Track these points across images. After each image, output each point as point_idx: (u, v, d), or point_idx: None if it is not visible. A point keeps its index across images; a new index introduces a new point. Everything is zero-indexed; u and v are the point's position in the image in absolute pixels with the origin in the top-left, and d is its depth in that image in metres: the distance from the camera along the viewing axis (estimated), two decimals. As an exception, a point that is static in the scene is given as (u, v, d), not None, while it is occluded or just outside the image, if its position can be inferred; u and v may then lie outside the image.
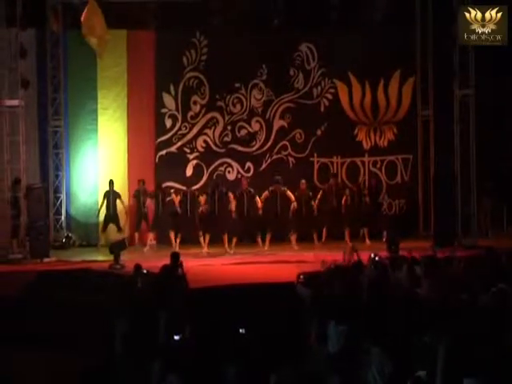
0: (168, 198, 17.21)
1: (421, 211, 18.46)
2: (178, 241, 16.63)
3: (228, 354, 6.96)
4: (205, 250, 16.40)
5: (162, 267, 10.18)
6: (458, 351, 5.95)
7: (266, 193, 16.87)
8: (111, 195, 17.17)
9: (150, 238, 17.23)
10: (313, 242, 16.91)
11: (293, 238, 16.84)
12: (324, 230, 17.19)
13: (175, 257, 10.51)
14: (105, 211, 17.23)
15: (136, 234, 17.32)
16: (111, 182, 17.21)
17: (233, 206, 16.58)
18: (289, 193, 16.86)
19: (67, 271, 14.00)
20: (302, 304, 9.14)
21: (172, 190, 17.35)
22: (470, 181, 17.01)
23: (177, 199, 16.96)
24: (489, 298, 7.18)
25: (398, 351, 6.47)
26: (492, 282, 7.79)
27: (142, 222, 17.39)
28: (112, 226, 17.18)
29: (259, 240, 16.62)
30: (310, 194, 17.23)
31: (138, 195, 17.33)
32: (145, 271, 10.67)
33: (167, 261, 10.67)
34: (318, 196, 17.31)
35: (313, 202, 17.08)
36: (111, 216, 17.15)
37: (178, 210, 16.80)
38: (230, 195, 16.68)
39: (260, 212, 16.63)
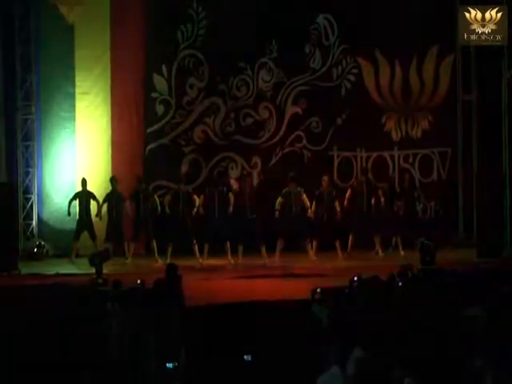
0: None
1: (461, 215, 18.55)
2: (169, 250, 16.54)
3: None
4: (201, 260, 16.42)
5: (155, 282, 10.18)
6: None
7: (279, 199, 16.69)
8: (84, 197, 17.12)
9: (133, 247, 17.10)
10: (335, 251, 16.84)
11: (309, 246, 16.80)
12: (350, 238, 17.07)
13: (172, 269, 10.35)
14: (77, 216, 17.20)
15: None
16: (84, 182, 17.15)
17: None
18: (304, 197, 16.75)
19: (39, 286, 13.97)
20: (318, 326, 9.14)
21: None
22: (522, 179, 17.06)
23: (166, 201, 16.91)
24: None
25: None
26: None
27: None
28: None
29: (263, 251, 16.51)
30: (334, 193, 17.11)
31: (107, 198, 17.16)
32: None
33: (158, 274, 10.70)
34: (347, 195, 17.18)
35: (337, 203, 16.95)
36: (84, 222, 17.13)
37: (167, 213, 16.80)
38: (231, 196, 16.65)
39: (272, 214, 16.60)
